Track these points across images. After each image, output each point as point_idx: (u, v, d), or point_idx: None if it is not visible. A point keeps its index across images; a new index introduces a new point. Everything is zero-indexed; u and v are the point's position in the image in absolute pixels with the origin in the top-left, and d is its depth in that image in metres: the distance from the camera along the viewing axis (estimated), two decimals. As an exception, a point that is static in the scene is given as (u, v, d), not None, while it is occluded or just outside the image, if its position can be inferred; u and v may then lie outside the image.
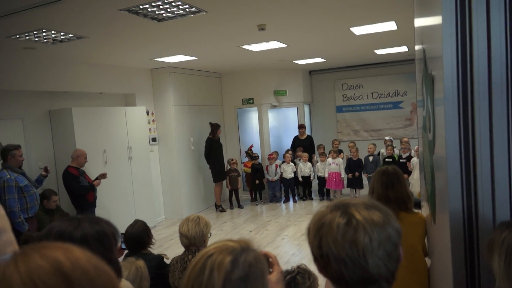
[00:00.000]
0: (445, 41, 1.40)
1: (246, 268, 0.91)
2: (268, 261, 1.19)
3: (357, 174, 7.88)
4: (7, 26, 3.95)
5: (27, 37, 4.40)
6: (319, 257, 1.00)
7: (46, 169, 5.07)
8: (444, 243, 1.62)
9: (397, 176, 2.43)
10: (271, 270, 1.19)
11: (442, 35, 1.40)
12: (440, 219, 1.77)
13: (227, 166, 8.27)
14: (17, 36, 4.31)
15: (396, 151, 7.68)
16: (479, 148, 1.38)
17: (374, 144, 7.98)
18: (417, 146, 6.66)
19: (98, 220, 1.23)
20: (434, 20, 1.63)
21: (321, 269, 1.02)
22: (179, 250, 2.77)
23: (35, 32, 4.25)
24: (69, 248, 0.57)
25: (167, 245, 6.09)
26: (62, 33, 4.37)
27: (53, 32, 4.28)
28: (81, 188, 5.31)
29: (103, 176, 5.63)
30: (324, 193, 8.44)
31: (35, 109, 5.75)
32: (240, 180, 8.46)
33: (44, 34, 4.33)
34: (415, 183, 6.59)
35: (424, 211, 2.68)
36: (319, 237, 0.99)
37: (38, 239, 1.25)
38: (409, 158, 7.10)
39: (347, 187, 8.11)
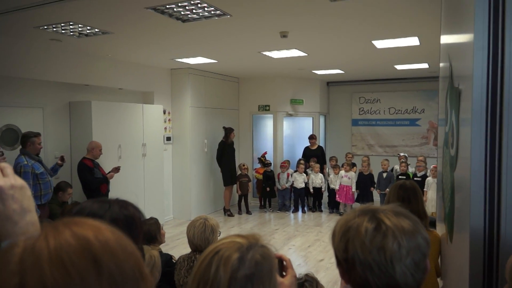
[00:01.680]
0: (476, 60, 1.36)
1: (253, 266, 0.90)
2: (282, 264, 1.19)
3: (372, 189, 7.80)
4: (36, 17, 4.06)
5: (54, 29, 4.50)
6: (343, 261, 0.99)
7: (62, 158, 5.15)
8: (461, 263, 1.57)
9: (415, 191, 2.39)
10: (284, 273, 1.19)
11: (474, 53, 1.36)
12: (458, 238, 1.72)
13: (238, 171, 8.28)
14: (45, 27, 4.42)
15: (410, 169, 7.59)
16: (505, 171, 1.34)
17: (388, 160, 7.90)
18: (433, 166, 6.59)
19: (127, 204, 1.24)
20: (465, 38, 1.58)
21: (344, 274, 1.01)
22: (185, 250, 2.78)
23: (62, 24, 4.35)
24: (100, 228, 0.57)
25: (173, 245, 6.11)
26: (88, 27, 4.46)
27: (80, 25, 4.37)
28: (94, 180, 5.38)
29: (117, 169, 5.69)
30: (333, 206, 8.37)
31: (56, 99, 5.87)
32: (251, 185, 8.45)
33: (71, 27, 4.43)
34: (429, 203, 6.49)
35: (439, 230, 2.62)
36: (345, 240, 0.98)
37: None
38: (424, 177, 6.99)
39: (357, 201, 8.03)
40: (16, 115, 5.35)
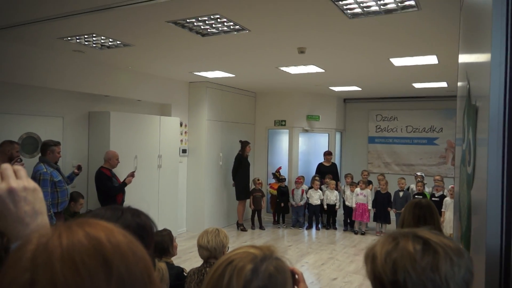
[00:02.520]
0: (493, 77, 1.34)
1: (266, 278, 0.89)
2: (294, 277, 1.18)
3: (389, 209, 7.68)
4: (61, 28, 4.19)
5: (77, 40, 4.63)
6: (391, 285, 0.92)
7: (79, 167, 5.24)
8: (477, 285, 1.55)
9: (431, 209, 2.34)
10: (296, 287, 1.17)
11: (491, 73, 1.34)
12: (474, 259, 1.70)
13: (252, 186, 8.26)
14: (69, 38, 4.55)
15: (427, 189, 7.45)
16: None
17: (404, 179, 7.78)
18: (451, 186, 6.46)
19: (139, 213, 1.25)
20: (482, 57, 1.57)
21: None
22: (197, 263, 2.76)
23: (85, 36, 4.47)
24: (112, 230, 0.57)
25: (186, 257, 6.09)
26: (110, 39, 4.58)
27: (102, 37, 4.49)
28: (114, 187, 5.45)
29: (132, 174, 5.70)
30: (348, 224, 8.26)
31: (76, 109, 6.00)
32: (264, 200, 8.41)
33: (94, 38, 4.55)
34: (446, 224, 6.35)
35: None
36: (391, 261, 0.92)
37: None
38: (442, 197, 6.84)
39: (373, 220, 7.90)
40: (36, 123, 5.48)
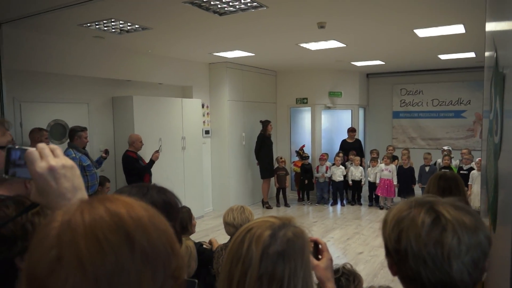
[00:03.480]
0: None
1: (284, 243, 0.91)
2: (317, 247, 1.21)
3: (413, 186, 7.58)
4: (80, 14, 4.23)
5: (97, 26, 4.68)
6: (394, 252, 0.93)
7: (106, 151, 5.37)
8: (503, 255, 1.53)
9: (456, 181, 2.30)
10: (320, 256, 1.21)
11: None
12: (500, 230, 1.68)
13: (275, 164, 8.29)
14: (88, 24, 4.60)
15: (454, 162, 7.29)
16: None
17: (430, 154, 7.63)
18: (479, 159, 6.30)
19: (165, 190, 1.27)
20: (509, 25, 1.52)
21: (393, 265, 0.96)
22: (225, 240, 2.82)
23: (104, 22, 4.51)
24: (133, 205, 0.58)
25: (213, 235, 6.18)
26: (129, 24, 4.60)
27: (121, 22, 4.51)
28: (143, 167, 5.59)
29: (157, 152, 5.76)
30: (373, 199, 8.21)
31: (100, 95, 6.11)
32: (288, 178, 8.44)
33: (112, 23, 4.58)
34: (474, 197, 6.23)
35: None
36: (398, 230, 0.92)
37: None
38: (470, 170, 6.69)
39: (398, 195, 7.83)
40: (63, 110, 5.62)
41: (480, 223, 0.90)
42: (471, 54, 6.86)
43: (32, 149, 0.82)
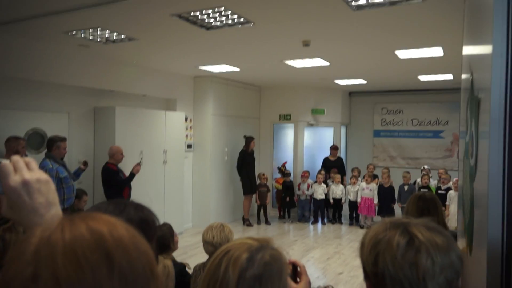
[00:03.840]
0: (494, 71, 1.34)
1: (261, 266, 0.91)
2: (296, 270, 1.20)
3: (393, 205, 7.65)
4: (66, 22, 4.19)
5: (82, 35, 4.64)
6: (372, 275, 0.95)
7: (85, 163, 5.25)
8: (479, 277, 1.55)
9: (435, 202, 2.36)
10: (298, 279, 1.20)
11: (492, 65, 1.35)
12: (476, 252, 1.71)
13: (258, 180, 8.27)
14: (74, 32, 4.56)
15: (433, 182, 7.42)
16: None
17: (409, 173, 7.75)
18: (456, 179, 6.42)
19: (142, 207, 1.24)
20: (484, 49, 1.57)
21: None
22: (204, 258, 2.75)
23: (91, 30, 4.47)
24: (115, 224, 0.58)
25: (192, 253, 6.10)
26: (116, 33, 4.58)
27: (108, 31, 4.49)
28: (123, 180, 5.48)
29: (138, 165, 5.66)
30: (353, 218, 8.25)
31: (81, 104, 6.01)
32: (270, 195, 8.41)
33: (99, 32, 4.55)
34: (451, 217, 6.32)
35: (460, 244, 2.58)
36: (375, 253, 0.94)
37: None
38: (448, 190, 6.81)
39: (378, 214, 7.89)
40: (42, 119, 5.50)
41: (451, 243, 0.92)
42: (449, 76, 7.09)
43: (5, 162, 0.80)
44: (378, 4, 3.51)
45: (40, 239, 0.53)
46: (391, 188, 7.79)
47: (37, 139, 5.47)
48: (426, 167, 7.84)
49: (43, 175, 0.82)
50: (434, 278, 0.87)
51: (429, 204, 2.33)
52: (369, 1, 3.44)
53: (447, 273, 0.89)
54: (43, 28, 4.42)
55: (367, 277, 0.98)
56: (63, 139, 4.92)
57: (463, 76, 2.78)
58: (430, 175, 7.48)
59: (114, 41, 4.90)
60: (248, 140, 7.95)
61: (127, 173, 5.62)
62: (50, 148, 4.81)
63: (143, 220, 1.19)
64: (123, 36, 4.69)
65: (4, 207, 0.80)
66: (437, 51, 5.17)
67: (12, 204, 0.78)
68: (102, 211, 1.17)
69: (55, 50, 5.22)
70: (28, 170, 0.81)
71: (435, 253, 0.88)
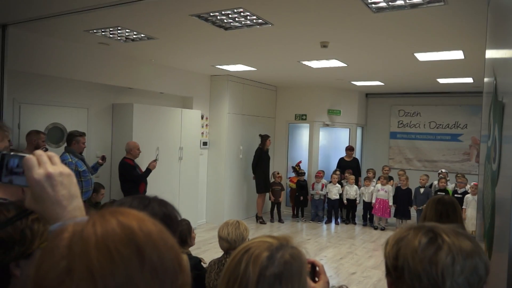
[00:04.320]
0: None
1: (281, 265, 0.91)
2: (314, 269, 1.22)
3: (410, 207, 7.59)
4: (87, 21, 4.27)
5: (103, 33, 4.72)
6: (393, 269, 0.97)
7: (103, 158, 5.35)
8: (499, 282, 1.53)
9: (454, 206, 2.32)
10: (317, 279, 1.21)
11: None
12: (496, 256, 1.69)
13: (272, 179, 8.29)
14: (94, 31, 4.64)
15: (450, 185, 7.32)
16: None
17: (427, 175, 7.66)
18: (474, 183, 6.33)
19: (165, 203, 1.27)
20: (508, 53, 1.55)
21: (392, 284, 0.99)
22: (217, 254, 2.81)
23: (111, 29, 4.55)
24: (144, 219, 0.59)
25: (205, 248, 6.17)
26: (135, 32, 4.64)
27: (127, 30, 4.55)
28: (140, 175, 5.57)
29: (154, 162, 5.74)
30: (367, 219, 8.21)
31: (100, 100, 6.13)
32: (284, 194, 8.43)
33: (118, 31, 4.63)
34: (468, 221, 6.24)
35: None
36: (397, 248, 0.96)
37: None
38: (464, 194, 6.73)
39: (394, 216, 7.82)
40: (62, 114, 5.62)
41: (478, 249, 0.92)
42: (469, 79, 6.96)
43: (30, 156, 0.83)
44: (399, 7, 3.47)
45: (73, 233, 0.55)
46: (409, 191, 7.70)
47: (57, 133, 5.60)
48: (443, 170, 7.73)
49: (66, 169, 0.85)
50: (453, 276, 0.88)
51: (448, 207, 2.29)
52: (389, 3, 3.41)
53: (469, 275, 0.88)
54: (65, 26, 4.51)
55: (388, 272, 0.99)
56: (82, 134, 5.02)
57: (486, 79, 2.74)
58: (448, 179, 7.38)
59: (133, 40, 4.97)
60: (264, 138, 7.97)
61: (143, 169, 5.71)
62: (70, 142, 4.92)
63: (167, 215, 1.22)
64: (142, 35, 4.75)
65: (28, 200, 0.83)
66: (457, 54, 5.08)
67: (36, 196, 0.81)
68: (127, 206, 1.20)
69: (76, 48, 5.32)
70: (51, 164, 0.83)
71: (457, 253, 0.89)
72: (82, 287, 0.50)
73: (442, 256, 0.89)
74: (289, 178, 8.78)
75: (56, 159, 0.86)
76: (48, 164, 0.83)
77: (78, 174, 4.81)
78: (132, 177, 5.52)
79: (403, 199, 7.67)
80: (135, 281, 0.52)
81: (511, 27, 1.59)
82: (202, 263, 2.93)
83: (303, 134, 9.12)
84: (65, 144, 5.02)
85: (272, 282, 0.89)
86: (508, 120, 1.50)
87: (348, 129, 9.17)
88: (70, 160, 4.78)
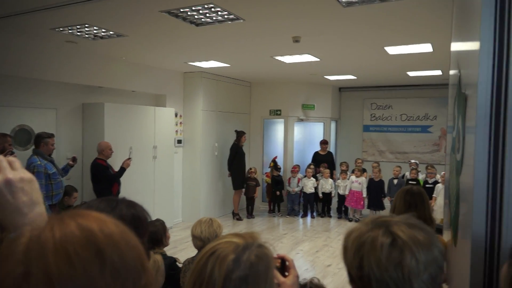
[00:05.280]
0: (482, 68, 1.37)
1: (247, 268, 0.91)
2: (284, 264, 1.22)
3: (388, 198, 7.75)
4: (53, 18, 4.13)
5: (70, 31, 4.58)
6: (357, 279, 0.96)
7: (74, 159, 5.21)
8: (463, 268, 1.59)
9: (422, 196, 2.39)
10: (287, 273, 1.21)
11: (479, 61, 1.37)
12: (461, 243, 1.75)
13: (247, 175, 8.30)
14: (61, 29, 4.49)
15: (421, 176, 7.52)
16: (508, 179, 1.35)
17: (400, 167, 7.86)
18: (443, 172, 6.52)
19: (134, 204, 1.25)
20: (472, 46, 1.60)
21: None
22: (193, 253, 2.78)
23: (78, 27, 4.42)
24: (104, 221, 0.58)
25: (182, 247, 6.13)
26: (103, 30, 4.53)
27: (95, 27, 4.43)
28: (113, 175, 5.47)
29: (128, 160, 5.65)
30: (342, 212, 8.33)
31: (69, 100, 5.95)
32: (259, 190, 8.46)
33: (86, 29, 4.50)
34: (438, 209, 6.43)
35: (445, 236, 2.62)
36: (359, 257, 0.95)
37: None
38: (435, 183, 6.93)
39: (368, 207, 7.98)
40: (29, 115, 5.44)
41: (433, 239, 0.94)
42: (438, 72, 7.15)
43: None
44: (369, 0, 3.51)
45: (30, 238, 0.53)
46: (381, 182, 7.87)
47: (25, 135, 5.41)
48: (413, 161, 7.93)
49: (27, 174, 0.82)
50: (419, 276, 0.89)
51: (416, 198, 2.35)
52: None
53: (431, 269, 0.90)
54: (30, 24, 4.35)
55: (352, 280, 0.98)
56: (51, 135, 4.87)
57: (451, 72, 2.79)
58: (419, 170, 7.58)
59: (102, 37, 4.84)
60: (240, 134, 7.96)
61: (116, 169, 5.60)
62: (38, 144, 4.76)
63: (135, 216, 1.20)
64: (111, 32, 4.64)
65: None
66: (426, 47, 5.20)
67: None
68: (94, 209, 1.18)
69: (42, 46, 5.15)
70: (11, 169, 0.80)
71: (418, 251, 0.90)
72: None
73: (407, 260, 0.89)
74: (265, 173, 8.81)
75: (17, 164, 0.82)
76: (8, 169, 0.80)
77: (48, 177, 4.67)
78: (105, 178, 5.41)
79: (376, 191, 7.83)
80: (95, 283, 0.51)
81: (473, 20, 1.62)
82: (177, 262, 2.91)
83: (278, 129, 9.16)
84: (33, 147, 4.86)
85: (238, 284, 0.89)
86: (471, 111, 1.54)
87: (322, 123, 9.27)
88: (39, 162, 4.63)
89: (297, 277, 1.22)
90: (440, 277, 0.93)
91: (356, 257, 0.95)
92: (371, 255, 0.92)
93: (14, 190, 0.78)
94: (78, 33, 4.68)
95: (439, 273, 0.92)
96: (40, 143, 4.75)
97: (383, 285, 0.90)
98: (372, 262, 0.91)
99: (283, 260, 1.23)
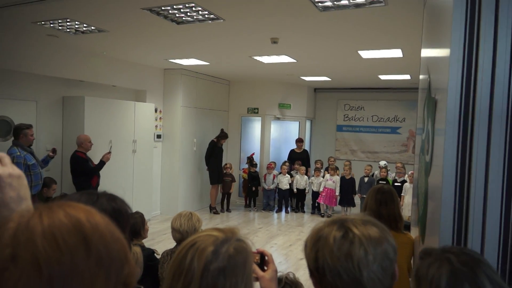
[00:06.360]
0: (452, 74, 1.43)
1: (226, 259, 0.94)
2: (263, 259, 1.29)
3: (354, 195, 8.07)
4: (35, 12, 4.16)
5: (51, 25, 4.63)
6: (315, 271, 1.01)
7: (54, 150, 5.27)
8: None
9: (392, 195, 2.50)
10: (266, 268, 1.27)
11: (449, 67, 1.44)
12: (429, 240, 1.82)
13: (224, 170, 8.47)
14: (43, 22, 4.53)
15: (390, 175, 7.86)
16: (475, 179, 1.41)
17: (371, 166, 8.18)
18: (411, 172, 6.86)
19: (115, 197, 1.25)
20: (442, 52, 1.66)
21: (316, 284, 1.03)
22: (170, 245, 2.85)
23: (59, 21, 4.47)
24: (91, 212, 0.60)
25: (159, 239, 6.25)
26: (85, 25, 4.60)
27: (77, 22, 4.50)
28: (93, 168, 5.53)
29: (108, 154, 5.73)
30: (315, 207, 8.62)
31: (50, 93, 5.99)
32: (235, 185, 8.64)
33: (68, 23, 4.56)
34: (405, 207, 6.75)
35: (413, 233, 2.72)
36: (315, 250, 1.00)
37: None
38: (403, 182, 7.26)
39: (339, 204, 8.28)
40: (10, 107, 5.47)
41: (385, 234, 1.00)
42: (407, 76, 7.48)
43: None
44: (343, 6, 3.65)
45: (19, 223, 0.54)
46: (352, 180, 8.18)
47: (5, 126, 5.44)
48: (383, 163, 8.16)
49: (16, 170, 0.81)
50: (368, 266, 0.94)
51: (386, 196, 2.47)
52: (335, 2, 3.58)
53: (381, 261, 0.95)
54: (11, 17, 4.37)
55: (311, 274, 1.03)
56: (30, 126, 4.90)
57: (421, 76, 2.88)
58: (389, 169, 7.91)
59: (83, 32, 4.92)
60: (222, 136, 8.13)
61: (96, 162, 5.68)
62: (17, 135, 4.80)
63: (116, 210, 1.20)
64: (92, 28, 4.71)
65: None
66: (396, 53, 5.41)
67: None
68: (75, 202, 1.25)
69: (23, 40, 5.19)
70: (0, 165, 0.80)
71: (367, 244, 0.95)
72: (27, 274, 0.49)
73: (356, 250, 0.94)
74: (242, 169, 9.01)
75: (7, 159, 0.82)
76: None
77: (27, 168, 4.72)
78: (85, 170, 5.48)
79: (347, 188, 8.13)
80: (80, 269, 0.53)
81: (442, 27, 1.69)
82: (155, 254, 2.95)
83: (255, 127, 9.37)
84: (13, 138, 4.90)
85: (216, 275, 0.92)
86: (440, 114, 1.59)
87: (298, 122, 9.54)
88: (19, 153, 4.67)
89: (276, 271, 1.28)
90: (392, 269, 0.98)
91: (313, 250, 1.01)
92: (325, 247, 0.98)
93: (2, 185, 0.78)
94: (60, 27, 4.73)
95: (390, 266, 0.97)
96: (19, 134, 4.79)
97: (336, 274, 0.95)
98: (326, 253, 0.97)
99: (262, 254, 1.27)
